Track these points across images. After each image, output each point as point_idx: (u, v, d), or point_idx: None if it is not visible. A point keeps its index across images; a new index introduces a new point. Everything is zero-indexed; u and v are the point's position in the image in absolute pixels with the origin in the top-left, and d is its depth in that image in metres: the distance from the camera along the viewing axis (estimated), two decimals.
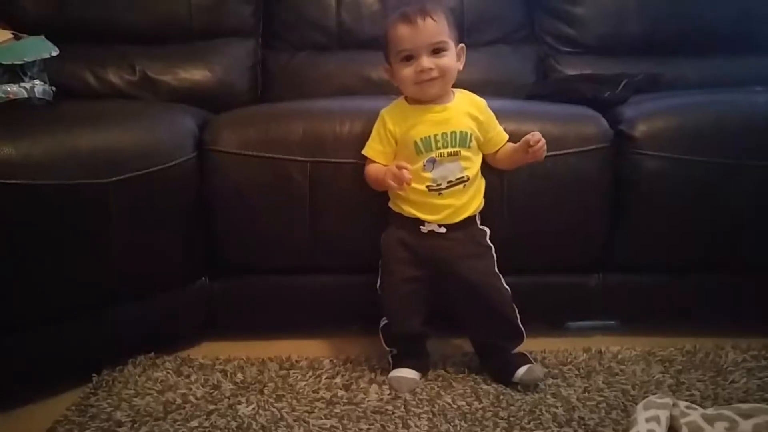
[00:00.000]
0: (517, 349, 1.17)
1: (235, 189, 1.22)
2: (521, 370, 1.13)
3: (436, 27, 1.08)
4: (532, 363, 1.15)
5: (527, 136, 1.09)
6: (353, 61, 1.71)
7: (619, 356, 1.24)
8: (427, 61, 1.08)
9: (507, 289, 1.15)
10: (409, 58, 1.10)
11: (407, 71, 1.10)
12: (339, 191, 1.21)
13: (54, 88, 1.39)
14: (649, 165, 1.22)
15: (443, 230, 1.13)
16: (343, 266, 1.30)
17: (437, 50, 1.09)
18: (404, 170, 1.06)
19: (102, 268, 1.13)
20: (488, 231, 1.17)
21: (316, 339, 1.33)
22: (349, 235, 1.25)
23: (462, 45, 1.14)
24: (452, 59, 1.11)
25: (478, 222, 1.17)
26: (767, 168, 1.21)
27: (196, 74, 1.67)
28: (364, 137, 1.18)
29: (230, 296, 1.33)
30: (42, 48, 1.37)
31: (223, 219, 1.24)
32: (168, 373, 1.19)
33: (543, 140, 1.09)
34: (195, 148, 1.22)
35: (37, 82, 1.34)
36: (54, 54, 1.37)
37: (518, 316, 1.14)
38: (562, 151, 1.20)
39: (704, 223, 1.25)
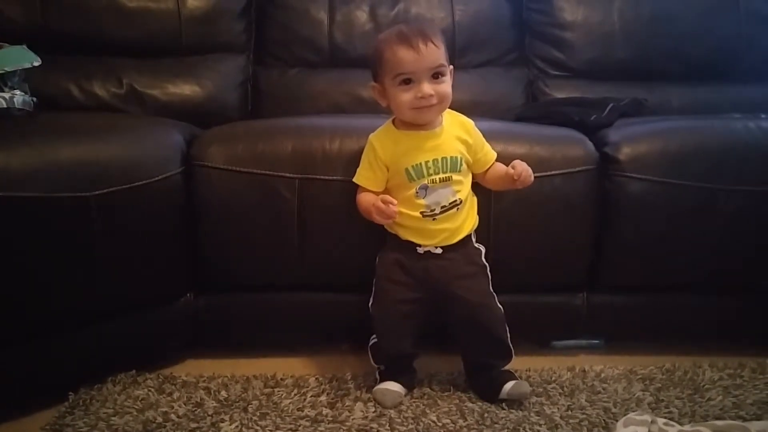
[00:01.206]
0: (504, 368, 1.18)
1: (223, 205, 1.22)
2: (508, 385, 1.13)
3: (437, 52, 1.07)
4: (517, 380, 1.15)
5: (509, 170, 1.10)
6: (344, 80, 1.72)
7: (602, 375, 1.25)
8: (427, 87, 1.06)
9: (500, 308, 1.15)
10: (407, 82, 1.07)
11: (406, 96, 1.08)
12: (328, 208, 1.21)
13: (35, 99, 1.36)
14: (633, 187, 1.24)
15: (439, 251, 1.12)
16: (331, 284, 1.30)
17: (437, 75, 1.08)
18: (390, 205, 1.05)
19: (83, 283, 1.11)
20: (483, 249, 1.18)
21: (302, 357, 1.32)
22: (337, 253, 1.25)
23: (451, 66, 1.12)
24: (449, 84, 1.09)
25: (474, 240, 1.18)
26: (746, 192, 1.24)
27: (185, 89, 1.66)
28: (354, 155, 1.19)
29: (215, 313, 1.31)
30: (23, 57, 1.35)
31: (209, 235, 1.24)
32: (149, 390, 1.17)
33: (526, 169, 1.09)
34: (182, 163, 1.21)
35: (17, 92, 1.31)
36: (36, 64, 1.35)
37: (509, 335, 1.15)
38: (548, 173, 1.21)
39: (685, 244, 1.27)
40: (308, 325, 1.33)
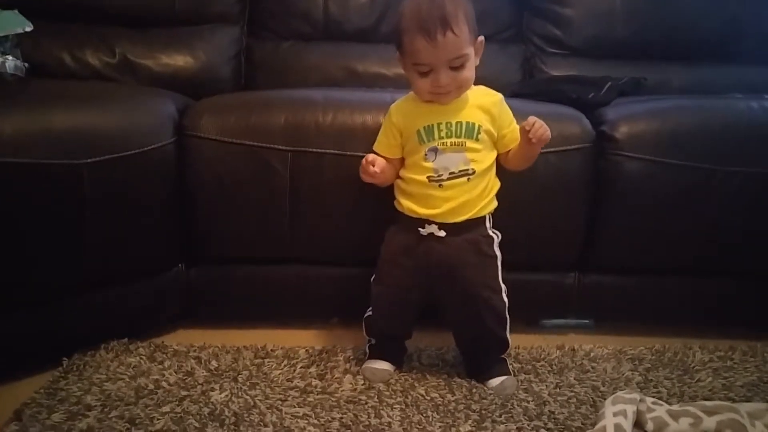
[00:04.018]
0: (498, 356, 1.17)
1: (214, 176, 1.21)
2: (495, 381, 1.13)
3: (457, 41, 0.99)
4: (509, 374, 1.15)
5: (522, 124, 1.05)
6: (339, 53, 1.71)
7: (591, 354, 1.26)
8: (444, 78, 1.01)
9: (504, 302, 1.12)
10: (425, 72, 1.03)
11: (424, 84, 1.04)
12: (320, 182, 1.21)
13: (27, 65, 1.35)
14: (629, 166, 1.24)
15: (443, 233, 1.07)
16: (322, 258, 1.30)
17: (456, 65, 1.02)
18: (371, 166, 1.05)
19: (74, 252, 1.11)
20: (498, 236, 1.12)
21: (292, 329, 1.33)
22: (329, 227, 1.24)
23: (481, 38, 1.05)
24: (471, 70, 1.04)
25: (488, 225, 1.12)
26: (744, 174, 1.23)
27: (178, 60, 1.64)
28: (347, 128, 1.18)
29: (207, 284, 1.32)
30: (15, 22, 1.34)
31: (200, 206, 1.23)
32: (141, 358, 1.17)
33: (538, 120, 1.04)
34: (174, 133, 1.20)
35: (9, 57, 1.30)
36: (27, 29, 1.33)
37: (508, 326, 1.14)
38: (544, 150, 1.19)
39: (680, 225, 1.27)
40: (299, 297, 1.33)
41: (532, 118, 1.04)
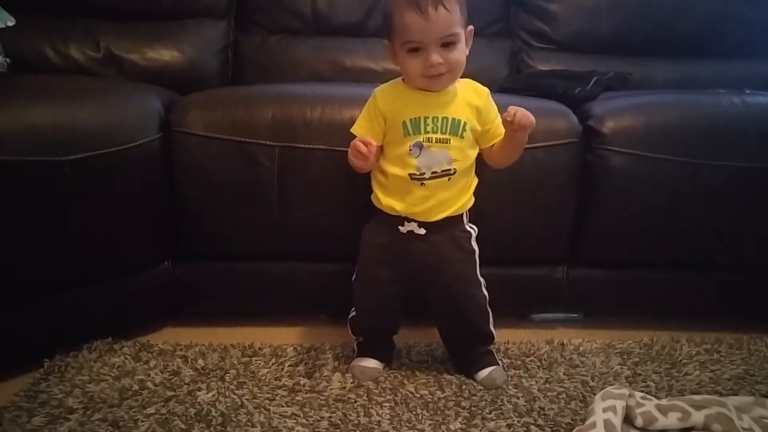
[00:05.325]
0: (485, 349, 1.18)
1: (201, 172, 1.20)
2: (483, 372, 1.13)
3: (449, 18, 0.98)
4: (496, 365, 1.15)
5: (503, 116, 1.03)
6: (327, 48, 1.70)
7: (580, 348, 1.26)
8: (436, 56, 0.99)
9: (485, 296, 1.13)
10: (416, 50, 1.00)
11: (414, 63, 1.01)
12: (308, 178, 1.19)
13: (9, 60, 1.32)
14: (616, 161, 1.24)
15: (422, 231, 1.07)
16: (310, 254, 1.29)
17: (448, 43, 1.00)
18: (368, 146, 1.00)
19: (57, 248, 1.09)
20: (475, 231, 1.13)
21: (280, 326, 1.32)
22: (316, 223, 1.23)
23: (471, 27, 1.04)
24: (463, 52, 1.02)
25: (465, 221, 1.12)
26: (728, 168, 1.24)
27: (164, 54, 1.62)
28: (335, 124, 1.17)
29: (194, 281, 1.30)
30: None
31: (187, 202, 1.22)
32: (126, 358, 1.16)
33: (519, 109, 1.01)
34: (160, 129, 1.19)
35: None
36: (10, 24, 1.31)
37: (491, 319, 1.15)
38: (530, 145, 1.19)
39: (667, 219, 1.28)
40: (287, 294, 1.32)
41: (512, 108, 1.01)
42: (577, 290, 1.36)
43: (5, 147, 0.99)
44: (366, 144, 1.01)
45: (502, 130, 1.08)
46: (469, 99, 1.07)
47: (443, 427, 1.00)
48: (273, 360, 1.17)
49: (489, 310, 1.14)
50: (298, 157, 1.18)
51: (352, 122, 1.12)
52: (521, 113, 1.01)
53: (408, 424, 1.00)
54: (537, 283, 1.35)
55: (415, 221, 1.07)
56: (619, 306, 1.40)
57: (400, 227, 1.08)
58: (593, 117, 1.27)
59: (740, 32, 1.78)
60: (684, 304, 1.39)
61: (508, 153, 1.10)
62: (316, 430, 0.98)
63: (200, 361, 1.16)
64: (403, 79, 1.08)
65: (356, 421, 1.00)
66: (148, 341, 1.23)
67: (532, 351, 1.24)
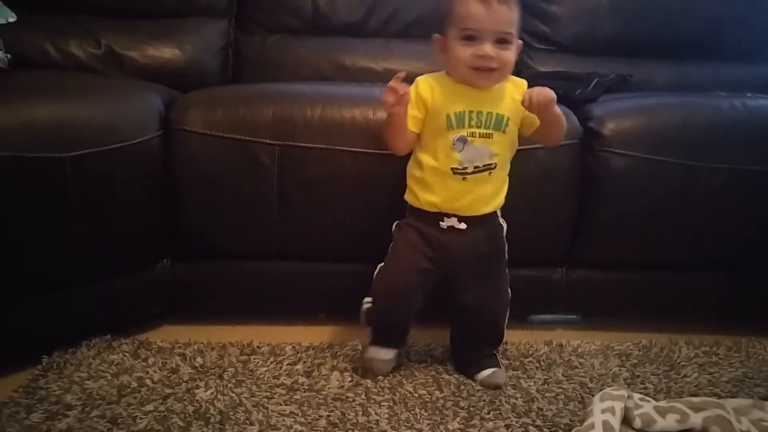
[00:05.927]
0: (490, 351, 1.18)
1: (201, 170, 1.20)
2: (485, 373, 1.13)
3: (510, 15, 1.00)
4: (498, 367, 1.15)
5: (522, 104, 1.03)
6: (327, 47, 1.69)
7: (579, 350, 1.26)
8: (489, 48, 0.99)
9: (509, 293, 1.15)
10: (471, 38, 1.00)
11: (465, 51, 1.01)
12: (308, 177, 1.19)
13: (10, 56, 1.32)
14: (616, 163, 1.24)
15: (463, 226, 1.07)
16: (309, 254, 1.29)
17: (503, 40, 1.01)
18: (400, 86, 0.97)
19: (57, 245, 1.09)
20: (506, 226, 1.14)
21: (278, 325, 1.32)
22: (317, 222, 1.23)
23: (520, 42, 1.05)
24: (513, 55, 1.03)
25: (499, 215, 1.13)
26: (728, 170, 1.24)
27: (165, 52, 1.61)
28: (335, 123, 1.17)
29: (193, 279, 1.30)
30: None
31: (187, 201, 1.22)
32: (124, 355, 1.16)
33: (532, 91, 1.01)
34: (160, 127, 1.19)
35: None
36: (11, 20, 1.31)
37: (506, 321, 1.16)
38: (531, 146, 1.20)
39: (666, 221, 1.28)
40: (286, 293, 1.32)
41: (525, 93, 1.02)
42: (575, 292, 1.36)
43: (6, 143, 0.99)
44: (400, 80, 0.98)
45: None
46: (513, 94, 1.07)
47: (441, 426, 1.00)
48: (271, 358, 1.17)
49: (508, 310, 1.15)
50: (298, 156, 1.18)
51: (352, 122, 1.13)
52: (536, 94, 1.01)
53: (406, 424, 1.00)
54: (536, 285, 1.35)
55: (456, 216, 1.07)
56: (618, 308, 1.40)
57: (440, 222, 1.08)
58: (594, 119, 1.27)
59: (741, 34, 1.78)
60: (683, 307, 1.39)
61: (549, 130, 1.09)
62: (314, 428, 0.98)
63: (199, 359, 1.16)
64: (447, 73, 1.08)
65: (354, 420, 1.00)
66: (147, 339, 1.23)
67: (530, 352, 1.24)
